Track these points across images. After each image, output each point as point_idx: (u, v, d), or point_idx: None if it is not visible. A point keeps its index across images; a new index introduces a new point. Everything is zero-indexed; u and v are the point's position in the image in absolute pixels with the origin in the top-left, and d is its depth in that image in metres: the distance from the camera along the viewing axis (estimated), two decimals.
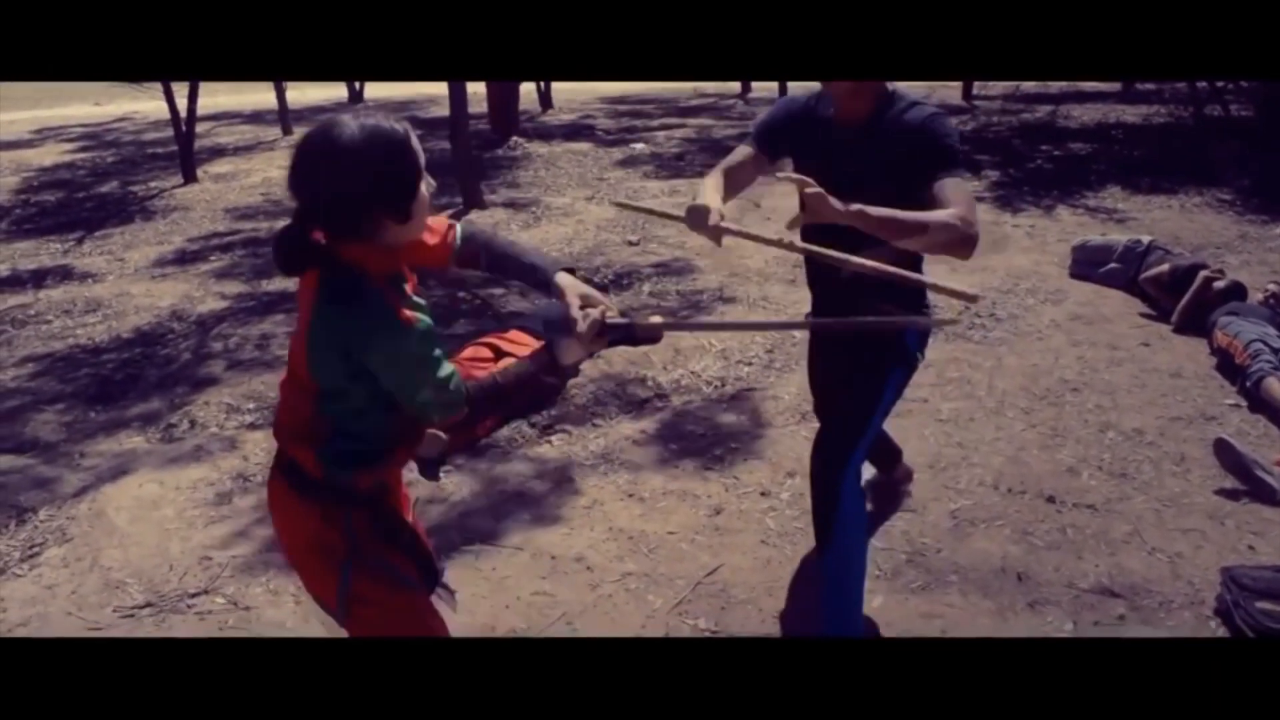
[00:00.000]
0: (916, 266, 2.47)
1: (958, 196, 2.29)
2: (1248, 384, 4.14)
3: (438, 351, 1.77)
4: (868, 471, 3.56)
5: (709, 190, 2.48)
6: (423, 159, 1.77)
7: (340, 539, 1.90)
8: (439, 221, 2.03)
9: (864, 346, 2.62)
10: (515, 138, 10.91)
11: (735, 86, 14.77)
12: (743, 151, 2.64)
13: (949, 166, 2.35)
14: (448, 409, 1.81)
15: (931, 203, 2.29)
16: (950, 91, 13.39)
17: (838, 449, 2.57)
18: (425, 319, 1.76)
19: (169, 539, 3.47)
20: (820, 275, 2.73)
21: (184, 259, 6.99)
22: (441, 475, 3.80)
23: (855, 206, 2.19)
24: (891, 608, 2.94)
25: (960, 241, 2.25)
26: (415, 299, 1.80)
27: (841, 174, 2.37)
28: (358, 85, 15.99)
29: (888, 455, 3.41)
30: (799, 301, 5.48)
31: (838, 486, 2.54)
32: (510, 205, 8.07)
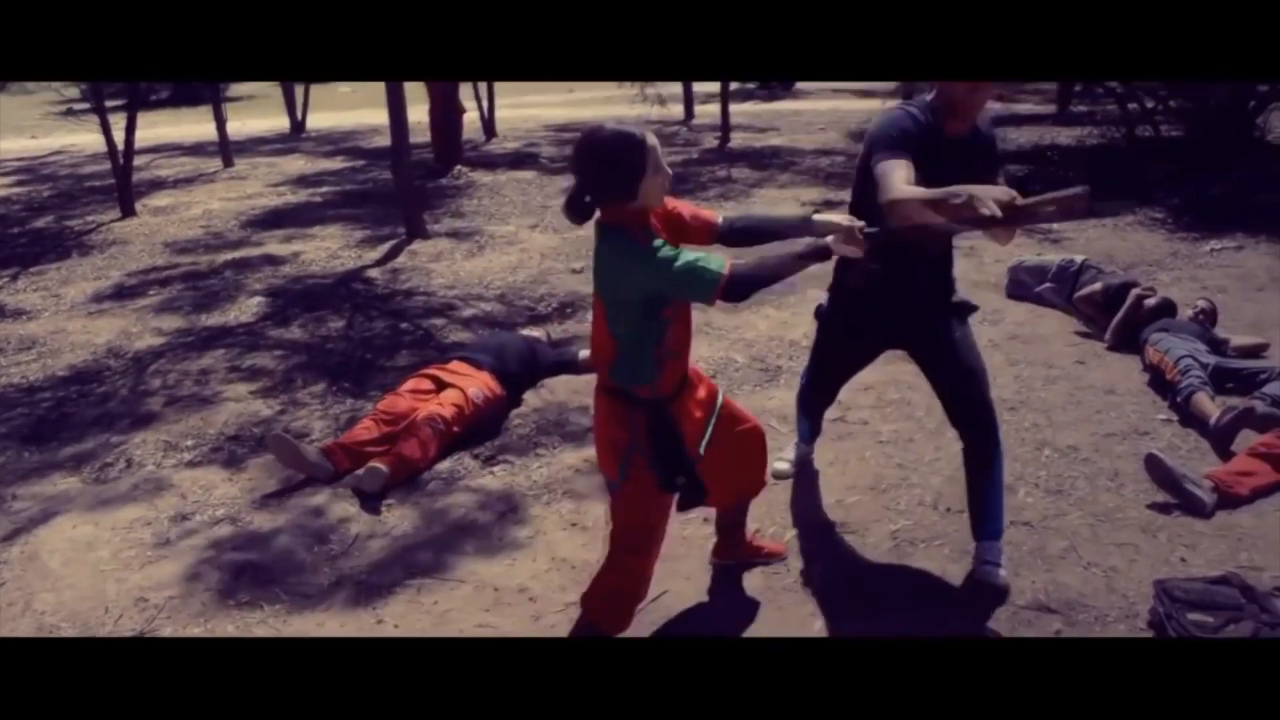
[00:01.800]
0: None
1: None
2: (1178, 399, 4.24)
3: (674, 248, 2.38)
4: (793, 451, 3.80)
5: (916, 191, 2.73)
6: (656, 151, 2.41)
7: (625, 434, 2.58)
8: (708, 215, 2.71)
9: (943, 314, 3.14)
10: (459, 166, 10.89)
11: (679, 113, 14.85)
12: (903, 166, 2.82)
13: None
14: (712, 273, 2.33)
15: None
16: None
17: (986, 389, 3.13)
18: (660, 240, 2.40)
19: (104, 581, 3.41)
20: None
21: (121, 294, 6.88)
22: (382, 508, 3.78)
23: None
24: (831, 630, 2.96)
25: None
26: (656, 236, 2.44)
27: (948, 181, 2.78)
28: (300, 115, 15.90)
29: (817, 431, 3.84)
30: (752, 320, 5.52)
31: (995, 415, 3.14)
32: (453, 235, 8.06)
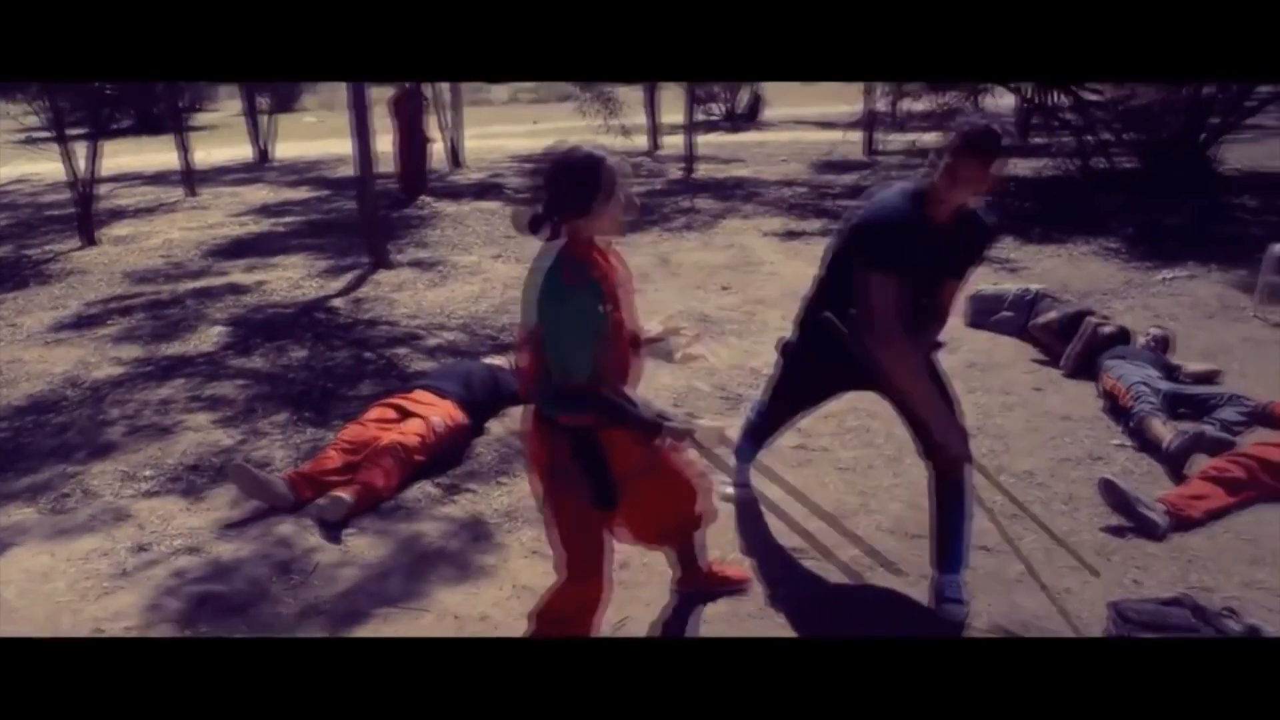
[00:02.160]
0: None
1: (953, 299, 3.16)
2: (1132, 424, 4.31)
3: (583, 321, 2.42)
4: (735, 475, 3.73)
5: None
6: (617, 175, 2.46)
7: (549, 455, 2.61)
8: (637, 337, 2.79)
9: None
10: (424, 197, 10.90)
11: (644, 143, 14.95)
12: (892, 287, 2.89)
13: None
14: (568, 371, 2.44)
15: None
16: (852, 147, 13.77)
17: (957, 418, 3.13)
18: (588, 291, 2.44)
19: (60, 612, 3.37)
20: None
21: (80, 324, 6.82)
22: (345, 537, 3.76)
23: None
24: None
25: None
26: (593, 278, 2.48)
27: (928, 269, 2.96)
28: (264, 145, 15.87)
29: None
30: (715, 348, 5.55)
31: (966, 444, 3.13)
32: (417, 265, 8.06)
